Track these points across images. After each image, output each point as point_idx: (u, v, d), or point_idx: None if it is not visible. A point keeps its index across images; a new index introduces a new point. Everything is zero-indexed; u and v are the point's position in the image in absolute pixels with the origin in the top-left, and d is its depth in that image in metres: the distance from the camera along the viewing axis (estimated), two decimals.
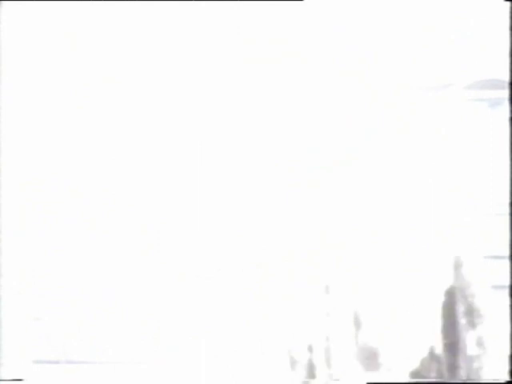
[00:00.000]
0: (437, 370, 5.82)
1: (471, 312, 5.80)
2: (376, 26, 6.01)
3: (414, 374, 5.83)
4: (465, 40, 5.98)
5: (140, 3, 6.07)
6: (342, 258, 5.93)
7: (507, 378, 5.80)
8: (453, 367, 5.81)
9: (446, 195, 5.96)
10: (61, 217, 6.05)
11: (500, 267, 5.88)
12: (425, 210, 5.94)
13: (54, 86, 6.11)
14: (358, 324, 5.88)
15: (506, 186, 5.96)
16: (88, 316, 6.00)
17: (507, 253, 5.88)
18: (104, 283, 6.01)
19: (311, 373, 5.87)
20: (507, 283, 5.86)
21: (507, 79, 5.95)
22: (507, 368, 5.78)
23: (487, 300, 5.84)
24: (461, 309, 5.81)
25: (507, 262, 5.87)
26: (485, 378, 5.81)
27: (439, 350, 5.82)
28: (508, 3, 5.97)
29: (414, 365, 5.84)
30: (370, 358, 5.85)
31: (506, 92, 5.97)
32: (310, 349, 5.89)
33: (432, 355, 5.82)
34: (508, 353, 5.82)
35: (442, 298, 5.85)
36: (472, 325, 5.80)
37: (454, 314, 5.84)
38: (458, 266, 5.83)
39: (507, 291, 5.85)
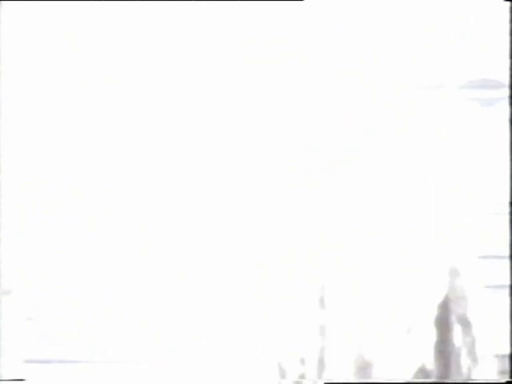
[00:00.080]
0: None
1: (466, 324, 5.79)
2: (376, 25, 6.02)
3: None
4: (462, 39, 5.98)
5: (140, 3, 6.07)
6: (342, 259, 5.92)
7: (507, 378, 5.80)
8: (445, 379, 5.80)
9: (446, 194, 5.97)
10: (59, 216, 6.05)
11: (500, 267, 5.88)
12: (424, 210, 5.94)
13: (54, 86, 6.11)
14: (350, 335, 5.87)
15: (505, 186, 5.96)
16: (84, 315, 6.00)
17: (507, 252, 5.88)
18: (102, 282, 6.00)
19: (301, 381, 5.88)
20: (507, 283, 5.86)
21: (502, 79, 5.96)
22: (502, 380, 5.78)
23: (485, 302, 5.84)
24: (455, 321, 5.80)
25: (507, 261, 5.87)
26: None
27: (431, 364, 5.82)
28: (508, 3, 5.97)
29: (408, 377, 5.83)
30: (363, 369, 5.84)
31: (502, 91, 5.97)
32: (302, 361, 5.88)
33: (424, 370, 5.81)
34: (508, 353, 5.82)
35: (435, 311, 5.84)
36: (466, 337, 5.79)
37: (448, 326, 5.82)
38: (453, 276, 5.82)
39: (507, 291, 5.85)
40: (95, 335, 6.00)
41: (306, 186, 6.00)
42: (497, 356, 5.81)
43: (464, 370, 5.75)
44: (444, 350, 5.76)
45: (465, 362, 5.75)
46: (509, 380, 5.78)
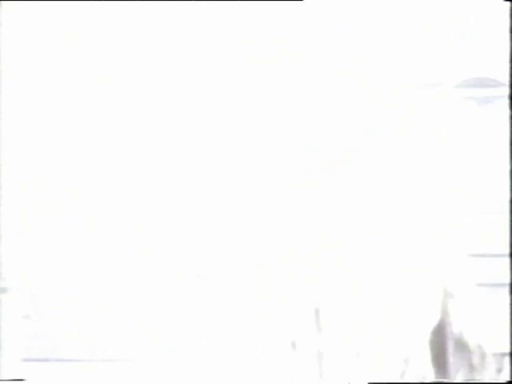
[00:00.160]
0: None
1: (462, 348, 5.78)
2: (374, 25, 6.03)
3: None
4: (460, 38, 5.99)
5: (140, 3, 6.08)
6: (342, 259, 5.93)
7: (507, 378, 5.80)
8: None
9: (445, 193, 5.97)
10: (58, 215, 6.06)
11: (500, 265, 5.88)
12: (424, 209, 5.95)
13: (54, 86, 6.11)
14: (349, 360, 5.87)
15: (504, 184, 5.96)
16: (83, 314, 6.00)
17: (507, 251, 5.88)
18: (101, 281, 6.01)
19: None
20: (507, 281, 5.86)
21: (500, 78, 5.96)
22: None
23: (485, 301, 5.84)
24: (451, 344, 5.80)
25: (507, 259, 5.88)
26: None
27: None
28: (508, 3, 5.98)
29: None
30: None
31: (500, 90, 5.98)
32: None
33: None
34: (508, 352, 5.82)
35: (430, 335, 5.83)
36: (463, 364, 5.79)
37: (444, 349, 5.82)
38: (446, 298, 5.81)
39: (507, 289, 5.86)
40: (94, 334, 5.99)
41: (306, 185, 6.00)
42: (496, 354, 5.81)
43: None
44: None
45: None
46: (509, 380, 5.78)
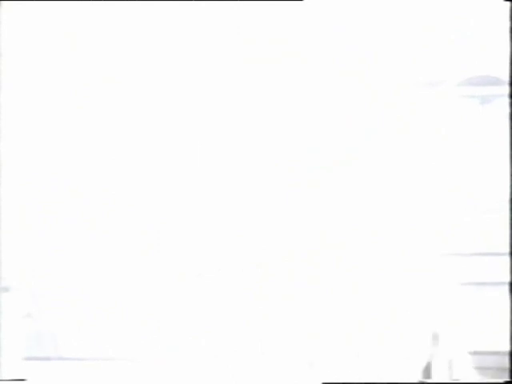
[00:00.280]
0: None
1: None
2: (375, 24, 6.03)
3: None
4: (462, 37, 6.00)
5: (140, 3, 6.09)
6: (342, 259, 5.93)
7: (507, 378, 5.80)
8: None
9: (445, 192, 5.97)
10: (59, 215, 6.06)
11: (500, 264, 5.88)
12: (424, 208, 5.95)
13: (54, 86, 6.12)
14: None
15: (505, 183, 5.96)
16: (84, 313, 6.00)
17: (507, 249, 5.88)
18: (102, 281, 6.01)
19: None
20: (507, 280, 5.86)
21: (501, 76, 5.97)
22: None
23: (484, 300, 5.83)
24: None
25: (507, 258, 5.88)
26: None
27: None
28: (508, 3, 5.99)
29: None
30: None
31: (501, 89, 5.99)
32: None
33: None
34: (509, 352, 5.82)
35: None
36: None
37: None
38: (436, 339, 5.81)
39: (507, 288, 5.85)
40: (94, 333, 5.99)
41: (306, 185, 6.01)
42: (496, 353, 5.80)
43: None
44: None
45: None
46: (509, 380, 5.77)
